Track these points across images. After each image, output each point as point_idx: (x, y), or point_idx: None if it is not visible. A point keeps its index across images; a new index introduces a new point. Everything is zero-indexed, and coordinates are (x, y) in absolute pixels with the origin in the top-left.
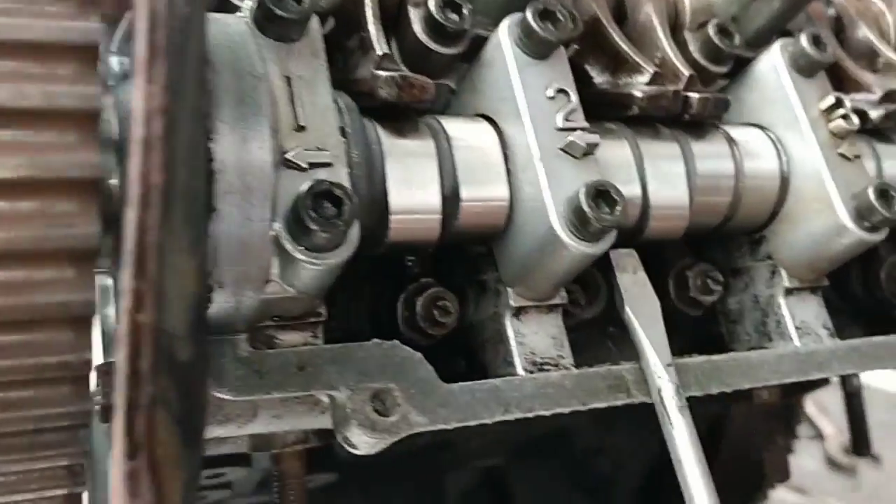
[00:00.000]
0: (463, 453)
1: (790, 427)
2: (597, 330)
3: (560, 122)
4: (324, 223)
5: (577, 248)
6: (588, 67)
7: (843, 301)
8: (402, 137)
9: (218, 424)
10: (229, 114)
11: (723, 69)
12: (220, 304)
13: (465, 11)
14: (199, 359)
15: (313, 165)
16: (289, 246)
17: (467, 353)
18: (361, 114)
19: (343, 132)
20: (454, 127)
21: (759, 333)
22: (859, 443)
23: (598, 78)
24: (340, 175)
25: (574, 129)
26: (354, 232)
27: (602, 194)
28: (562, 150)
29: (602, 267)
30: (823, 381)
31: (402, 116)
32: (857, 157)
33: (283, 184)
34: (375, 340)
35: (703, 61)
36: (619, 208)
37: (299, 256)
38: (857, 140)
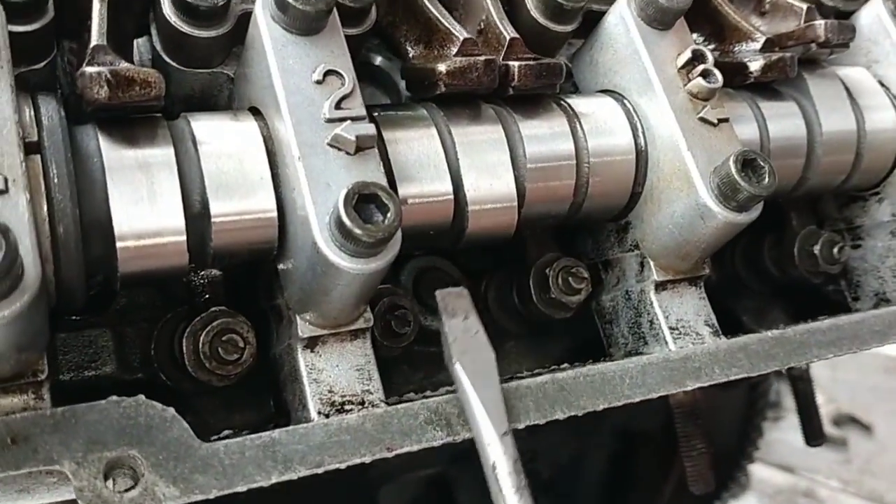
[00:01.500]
0: (390, 467)
1: (748, 437)
2: None
3: (328, 112)
4: None
5: (349, 268)
6: (402, 40)
7: (760, 282)
8: (132, 146)
9: None
10: None
11: (567, 27)
12: None
13: None
14: None
15: None
16: None
17: (273, 390)
18: (88, 122)
19: (37, 147)
20: (207, 127)
21: (634, 335)
22: (810, 432)
23: (413, 51)
24: (16, 204)
25: (346, 120)
26: (31, 274)
27: (370, 198)
28: (329, 145)
29: (464, 266)
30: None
31: (137, 121)
32: (724, 120)
33: None
34: (113, 398)
35: (542, 20)
36: (391, 214)
37: None
38: (730, 98)
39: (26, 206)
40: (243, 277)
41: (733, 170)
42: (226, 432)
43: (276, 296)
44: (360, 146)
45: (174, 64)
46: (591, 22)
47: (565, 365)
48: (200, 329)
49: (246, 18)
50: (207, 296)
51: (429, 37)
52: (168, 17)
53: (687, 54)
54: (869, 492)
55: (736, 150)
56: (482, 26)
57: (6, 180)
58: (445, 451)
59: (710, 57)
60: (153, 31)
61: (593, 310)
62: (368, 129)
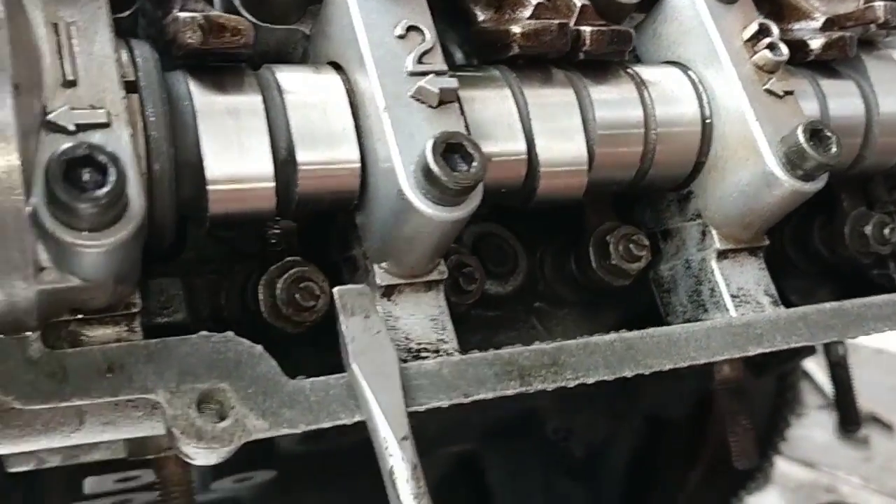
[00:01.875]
0: (422, 440)
1: (776, 427)
2: (520, 306)
3: (411, 66)
4: (80, 196)
5: (433, 215)
6: (471, 4)
7: (808, 262)
8: (222, 93)
9: (31, 436)
10: None
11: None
12: None
13: None
14: None
15: (83, 127)
16: (49, 224)
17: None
18: (177, 67)
19: (134, 86)
20: (291, 78)
21: (694, 304)
22: (846, 418)
23: (483, 15)
24: (119, 137)
25: (428, 74)
26: (136, 204)
27: (455, 148)
28: (413, 97)
29: (521, 234)
30: (808, 351)
31: (225, 69)
32: (789, 93)
33: (44, 150)
34: (203, 333)
35: None
36: (476, 164)
37: (63, 237)
38: (791, 75)
39: (129, 140)
40: (313, 231)
41: (801, 139)
42: None
43: (351, 247)
44: (443, 99)
45: (252, 18)
46: None
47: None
48: (277, 276)
49: None
50: (282, 246)
51: (499, 1)
52: None
53: (753, 27)
54: (892, 489)
55: (804, 120)
56: None
57: (109, 114)
58: (478, 427)
59: (775, 30)
60: None
61: (650, 279)
62: (451, 82)
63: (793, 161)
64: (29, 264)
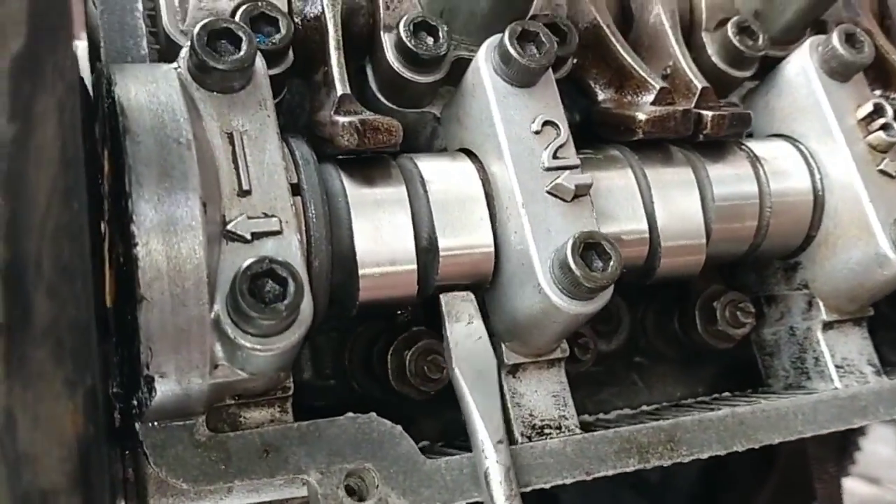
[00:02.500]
0: None
1: (846, 452)
2: (621, 362)
3: (547, 161)
4: (263, 309)
5: (568, 309)
6: (591, 82)
7: None
8: (371, 185)
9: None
10: (152, 190)
11: (746, 73)
12: (166, 392)
13: (441, 34)
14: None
15: (258, 235)
16: (230, 331)
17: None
18: (327, 159)
19: (298, 188)
20: (430, 167)
21: (797, 370)
22: None
23: (603, 94)
24: (290, 244)
25: (563, 169)
26: (306, 310)
27: (593, 247)
28: (549, 192)
29: (623, 292)
30: None
31: (372, 160)
32: None
33: (225, 258)
34: (350, 415)
35: (722, 65)
36: (613, 263)
37: (242, 342)
38: None
39: (298, 246)
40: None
41: None
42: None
43: None
44: (578, 194)
45: (388, 103)
46: (763, 64)
47: (726, 394)
48: (405, 347)
49: (459, 64)
50: (408, 315)
51: (620, 81)
52: (390, 62)
53: (868, 107)
54: None
55: None
56: (668, 71)
57: (280, 222)
58: None
59: (890, 110)
60: (369, 72)
61: (752, 340)
62: (585, 178)
63: None
64: (206, 363)
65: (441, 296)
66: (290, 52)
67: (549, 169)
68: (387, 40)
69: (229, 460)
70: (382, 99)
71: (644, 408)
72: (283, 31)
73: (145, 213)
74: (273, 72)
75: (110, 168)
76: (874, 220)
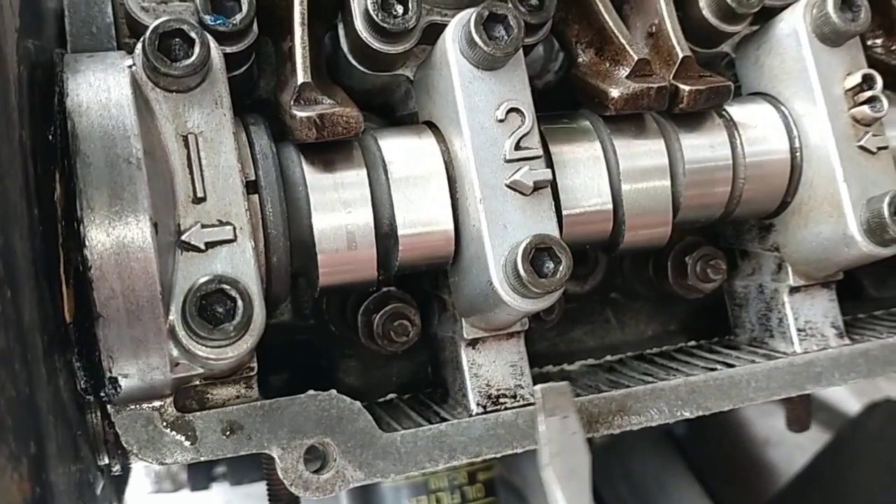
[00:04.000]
0: None
1: None
2: (596, 299)
3: (509, 152)
4: (212, 331)
5: (518, 306)
6: (573, 40)
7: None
8: (331, 171)
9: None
10: (103, 214)
11: (738, 27)
12: (131, 387)
13: (411, 4)
14: None
15: (212, 245)
16: (185, 342)
17: (432, 361)
18: (289, 142)
19: (256, 187)
20: (394, 148)
21: (762, 326)
22: None
23: (582, 56)
24: (244, 251)
25: (524, 161)
26: (258, 320)
27: (545, 250)
28: (508, 186)
29: (598, 249)
30: None
31: (333, 143)
32: (883, 148)
33: (180, 268)
34: (311, 392)
35: (713, 20)
36: (562, 268)
37: (197, 352)
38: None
39: (252, 253)
40: None
41: (886, 212)
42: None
43: (442, 291)
44: (537, 188)
45: (360, 67)
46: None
47: (692, 343)
48: (374, 310)
49: (433, 28)
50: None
51: (601, 44)
52: (359, 32)
53: (856, 77)
54: None
55: (892, 191)
56: (653, 30)
57: (234, 230)
58: None
59: (879, 82)
60: (341, 34)
61: (724, 290)
62: (545, 174)
63: (873, 229)
64: (167, 364)
65: (537, 388)
66: (255, 26)
67: (510, 161)
68: (356, 8)
69: (196, 438)
70: (354, 63)
71: (608, 358)
72: (245, 10)
73: (97, 238)
74: (234, 49)
75: (62, 190)
76: (846, 200)
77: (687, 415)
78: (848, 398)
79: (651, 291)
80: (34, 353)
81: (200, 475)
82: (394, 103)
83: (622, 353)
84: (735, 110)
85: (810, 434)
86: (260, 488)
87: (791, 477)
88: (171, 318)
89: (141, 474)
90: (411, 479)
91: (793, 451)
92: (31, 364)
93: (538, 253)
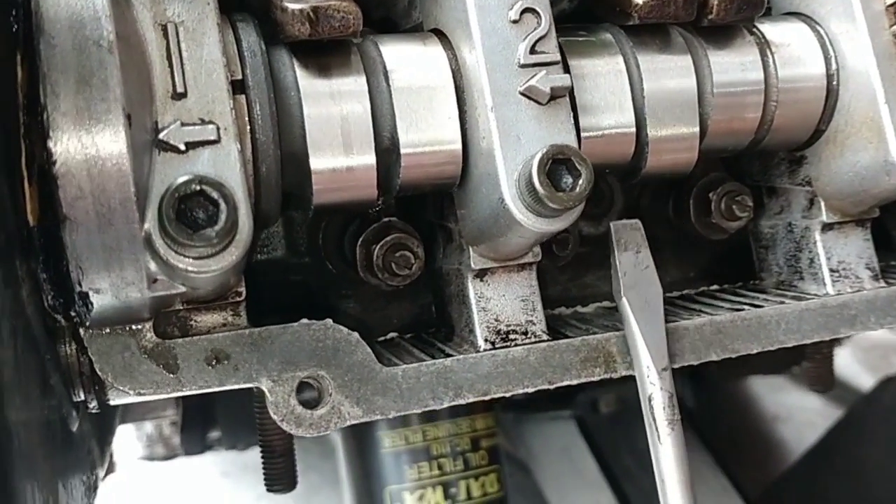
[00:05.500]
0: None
1: None
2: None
3: (523, 56)
4: (192, 236)
5: (533, 226)
6: None
7: None
8: (327, 76)
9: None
10: (70, 102)
11: None
12: (104, 305)
13: None
14: None
15: (192, 145)
16: (162, 252)
17: (437, 298)
18: (280, 44)
19: (243, 87)
20: (396, 55)
21: (791, 268)
22: None
23: None
24: (228, 154)
25: (540, 66)
26: (244, 229)
27: (563, 162)
28: (522, 94)
29: (619, 175)
30: None
31: (330, 46)
32: None
33: (157, 170)
34: (304, 321)
35: None
36: (582, 182)
37: (176, 264)
38: None
39: (237, 157)
40: None
41: None
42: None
43: (448, 220)
44: (554, 96)
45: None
46: None
47: (714, 287)
48: (374, 241)
49: None
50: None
51: None
52: None
53: None
54: None
55: None
56: None
57: (218, 130)
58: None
59: None
60: None
61: (749, 231)
62: (564, 80)
63: None
64: (143, 279)
65: (611, 224)
66: None
67: (524, 66)
68: None
69: (177, 368)
70: None
71: None
72: None
73: (62, 128)
74: None
75: (24, 74)
76: (888, 123)
77: (713, 357)
78: (861, 373)
79: (668, 234)
80: None
81: (195, 438)
82: (396, 16)
83: None
84: (767, 28)
85: (821, 409)
86: (257, 456)
87: (803, 452)
88: (146, 225)
89: (132, 437)
90: (412, 444)
91: (803, 427)
92: None
93: (555, 165)
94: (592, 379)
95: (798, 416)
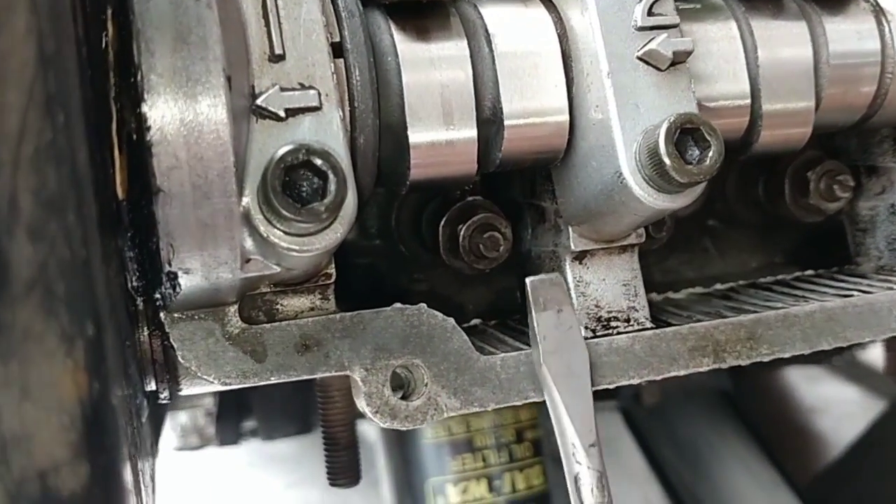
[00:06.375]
0: None
1: None
2: (692, 224)
3: (640, 19)
4: (299, 210)
5: (653, 203)
6: None
7: None
8: (426, 40)
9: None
10: (166, 61)
11: None
12: (192, 287)
13: None
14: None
15: (293, 112)
16: (262, 229)
17: (523, 285)
18: (375, 6)
19: (341, 49)
20: (498, 18)
21: (893, 252)
22: None
23: None
24: (331, 122)
25: (659, 29)
26: (349, 206)
27: (690, 132)
28: (640, 59)
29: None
30: None
31: (427, 8)
32: None
33: (255, 139)
34: (397, 305)
35: None
36: (712, 154)
37: (276, 241)
38: None
39: (340, 125)
40: None
41: None
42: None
43: (541, 198)
44: (675, 62)
45: None
46: None
47: (809, 272)
48: (460, 220)
49: None
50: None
51: None
52: None
53: None
54: None
55: None
56: None
57: (319, 95)
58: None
59: None
60: None
61: (844, 213)
62: (685, 44)
63: None
64: (237, 258)
65: (527, 280)
66: None
67: (641, 28)
68: None
69: (265, 355)
70: None
71: (718, 286)
72: None
73: (158, 91)
74: None
75: (114, 32)
76: None
77: (825, 346)
78: None
79: (754, 217)
80: (88, 207)
81: (229, 428)
82: None
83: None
84: None
85: (858, 401)
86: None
87: (847, 445)
88: (245, 200)
89: (167, 427)
90: (455, 435)
91: (840, 419)
92: (86, 220)
93: (682, 136)
94: (700, 370)
95: (835, 408)
